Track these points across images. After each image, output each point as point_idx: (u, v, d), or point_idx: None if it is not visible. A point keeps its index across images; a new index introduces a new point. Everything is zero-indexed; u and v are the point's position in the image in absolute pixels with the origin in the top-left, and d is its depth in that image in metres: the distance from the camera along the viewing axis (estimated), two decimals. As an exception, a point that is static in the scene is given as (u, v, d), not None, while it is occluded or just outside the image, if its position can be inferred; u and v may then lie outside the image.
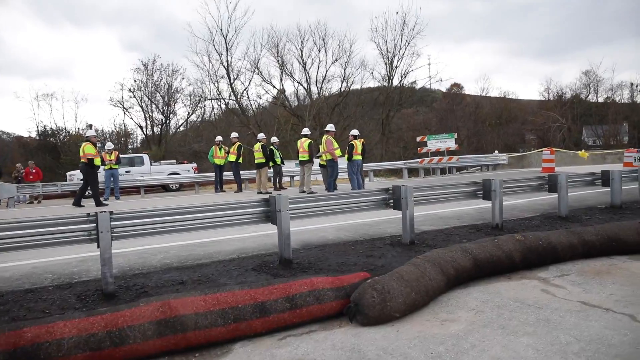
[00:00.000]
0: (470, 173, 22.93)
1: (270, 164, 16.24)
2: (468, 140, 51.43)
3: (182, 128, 47.80)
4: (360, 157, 14.15)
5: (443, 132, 58.82)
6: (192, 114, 46.33)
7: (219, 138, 18.03)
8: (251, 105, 41.99)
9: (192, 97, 43.30)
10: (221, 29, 37.54)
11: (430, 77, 51.00)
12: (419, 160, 21.50)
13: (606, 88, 57.98)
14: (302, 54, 40.30)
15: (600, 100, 59.02)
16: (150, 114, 44.02)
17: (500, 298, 4.86)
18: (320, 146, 14.82)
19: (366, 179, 21.62)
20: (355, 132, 14.84)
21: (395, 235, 7.59)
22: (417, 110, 76.61)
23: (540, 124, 48.27)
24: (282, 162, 16.54)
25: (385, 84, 42.32)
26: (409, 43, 40.55)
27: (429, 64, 61.58)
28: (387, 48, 41.46)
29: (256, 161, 15.51)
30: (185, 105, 45.38)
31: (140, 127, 45.51)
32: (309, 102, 40.88)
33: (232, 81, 37.73)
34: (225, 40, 37.44)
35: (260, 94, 45.25)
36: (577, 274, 5.67)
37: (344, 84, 41.00)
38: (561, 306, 4.57)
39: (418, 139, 22.23)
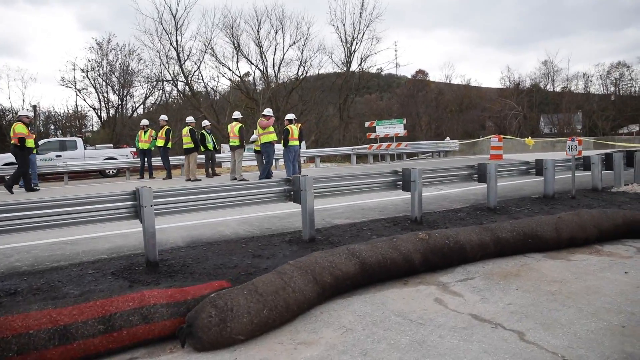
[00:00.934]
0: (419, 159, 22.47)
1: (202, 149, 15.20)
2: (428, 126, 51.33)
3: (140, 111, 45.67)
4: (297, 143, 13.30)
5: (406, 118, 59.06)
6: (148, 96, 44.27)
7: (144, 122, 16.76)
8: (206, 88, 40.40)
9: (148, 79, 41.30)
10: (170, 7, 35.67)
11: (389, 62, 50.27)
12: (367, 146, 20.85)
13: (563, 78, 58.97)
14: (258, 36, 38.93)
15: (558, 89, 60.02)
16: (105, 95, 41.77)
17: (383, 311, 4.13)
18: (254, 130, 13.88)
19: (311, 165, 20.85)
20: (290, 116, 13.95)
21: (299, 231, 6.81)
22: (381, 95, 76.50)
23: (497, 112, 48.47)
24: (215, 148, 15.51)
25: (345, 68, 41.34)
26: (367, 27, 39.71)
27: (395, 51, 61.10)
28: (345, 31, 40.53)
29: (184, 146, 14.41)
30: (142, 87, 43.24)
31: (94, 109, 43.21)
32: (266, 87, 39.62)
33: (182, 63, 36.07)
34: (175, 19, 35.66)
35: (215, 77, 43.52)
36: (483, 278, 5.01)
37: (302, 68, 39.87)
38: (447, 322, 3.88)
39: (367, 124, 21.50)
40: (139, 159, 16.72)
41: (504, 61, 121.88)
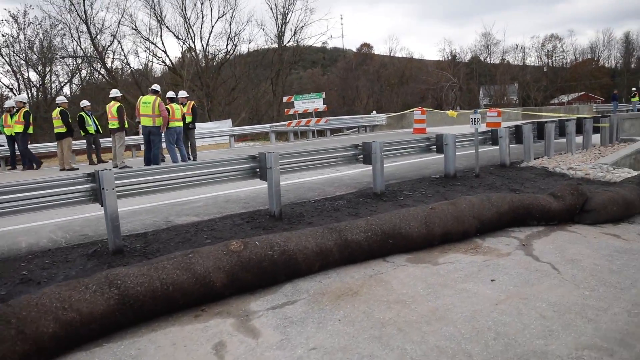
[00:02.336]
0: (344, 135, 21.30)
1: (81, 133, 13.25)
2: (368, 100, 50.39)
3: (66, 91, 41.56)
4: (180, 124, 11.65)
5: (347, 92, 57.74)
6: (75, 74, 40.24)
7: (8, 103, 14.34)
8: (129, 64, 37.38)
9: (61, 56, 37.51)
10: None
11: (321, 34, 47.93)
12: (286, 123, 19.42)
13: (501, 50, 59.44)
14: (184, 7, 36.11)
15: (497, 61, 60.48)
16: (23, 74, 37.54)
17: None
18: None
19: (232, 147, 19.25)
20: (171, 94, 12.23)
21: (127, 236, 5.33)
22: (324, 70, 74.89)
23: (433, 84, 48.07)
24: (98, 131, 13.55)
25: (277, 41, 39.35)
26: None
27: (341, 24, 59.13)
28: (276, 2, 38.40)
29: (55, 130, 12.36)
30: (66, 65, 39.07)
31: (12, 89, 38.94)
32: (191, 62, 37.11)
33: (93, 36, 32.89)
34: (82, -17, 32.07)
35: (137, 52, 40.03)
36: (308, 301, 3.77)
37: (231, 42, 37.56)
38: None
39: (285, 99, 20.01)
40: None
41: (447, 34, 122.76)
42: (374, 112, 22.85)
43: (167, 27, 35.65)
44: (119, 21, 33.50)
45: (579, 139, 12.19)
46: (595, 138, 12.66)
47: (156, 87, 11.57)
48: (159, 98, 11.02)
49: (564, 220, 5.77)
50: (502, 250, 4.84)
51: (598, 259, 4.50)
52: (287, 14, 37.98)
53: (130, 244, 5.12)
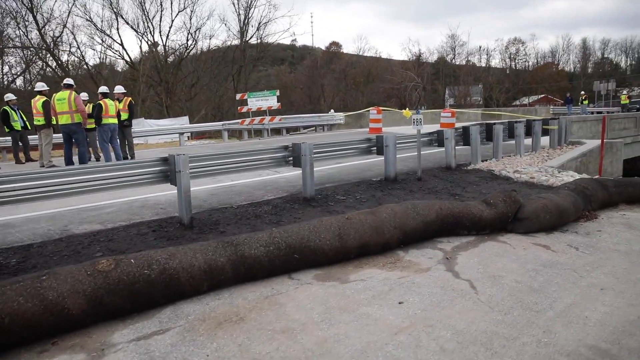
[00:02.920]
0: (300, 134, 20.76)
1: (6, 129, 12.27)
2: (333, 98, 50.06)
3: (20, 83, 39.33)
4: (114, 121, 10.87)
5: (312, 90, 57.19)
6: (28, 67, 38.12)
7: None
8: (83, 58, 35.81)
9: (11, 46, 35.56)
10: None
11: (284, 31, 47.03)
12: (239, 121, 18.75)
13: (468, 52, 60.20)
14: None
15: (463, 63, 61.19)
16: None
17: None
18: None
19: (181, 146, 18.48)
20: (103, 89, 11.40)
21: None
22: (293, 68, 74.19)
23: (397, 83, 48.11)
24: (26, 127, 12.58)
25: (239, 37, 38.48)
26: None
27: (311, 22, 58.49)
28: (238, -3, 37.52)
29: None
30: (20, 56, 36.87)
31: None
32: (149, 56, 35.87)
33: (41, 27, 31.26)
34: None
35: (92, 45, 38.21)
36: (182, 330, 3.23)
37: (191, 37, 36.47)
38: None
39: (238, 96, 19.32)
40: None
41: (415, 35, 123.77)
42: (332, 110, 22.42)
43: (124, 19, 34.28)
44: (69, 10, 31.97)
45: (529, 141, 12.04)
46: (545, 140, 12.54)
47: (69, 81, 10.57)
48: (74, 92, 10.11)
49: (496, 229, 5.42)
50: (423, 265, 4.42)
51: (521, 275, 4.13)
52: (250, 9, 37.20)
53: (5, 260, 4.46)
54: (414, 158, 10.72)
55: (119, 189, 5.51)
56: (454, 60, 60.44)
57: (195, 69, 38.66)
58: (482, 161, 10.28)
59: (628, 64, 66.48)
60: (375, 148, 8.33)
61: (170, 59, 37.38)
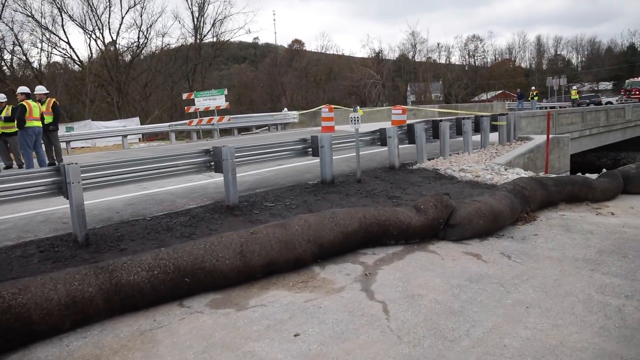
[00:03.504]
0: (252, 134, 20.05)
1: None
2: (293, 96, 49.45)
3: None
4: (38, 124, 9.96)
5: (273, 88, 56.35)
6: None
7: None
8: (25, 56, 33.91)
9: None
10: None
11: (239, 28, 45.93)
12: (187, 121, 17.93)
13: (427, 49, 60.63)
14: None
15: (424, 60, 61.55)
16: None
17: None
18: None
19: (125, 149, 17.49)
20: (24, 89, 10.44)
21: None
22: (254, 67, 73.02)
23: (357, 80, 47.91)
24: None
25: (194, 35, 37.32)
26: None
27: (274, 20, 57.68)
28: (191, -7, 36.38)
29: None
30: None
31: None
32: (98, 55, 34.35)
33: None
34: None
35: (34, 43, 36.05)
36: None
37: (142, 35, 35.10)
38: None
39: (184, 96, 18.48)
40: None
41: (378, 32, 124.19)
42: (286, 109, 21.84)
43: (69, 15, 32.63)
44: (3, 3, 30.13)
45: (478, 138, 11.81)
46: (495, 136, 12.34)
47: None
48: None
49: (427, 237, 4.98)
50: (337, 284, 3.92)
51: (443, 293, 3.68)
52: (204, 5, 36.09)
53: None
54: (377, 153, 10.34)
55: (4, 203, 4.79)
56: (415, 58, 60.88)
57: (149, 68, 37.31)
58: (429, 159, 9.94)
59: (579, 60, 68.58)
60: (310, 149, 7.82)
61: (122, 57, 35.90)
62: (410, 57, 61.39)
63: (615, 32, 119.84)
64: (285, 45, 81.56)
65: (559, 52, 69.08)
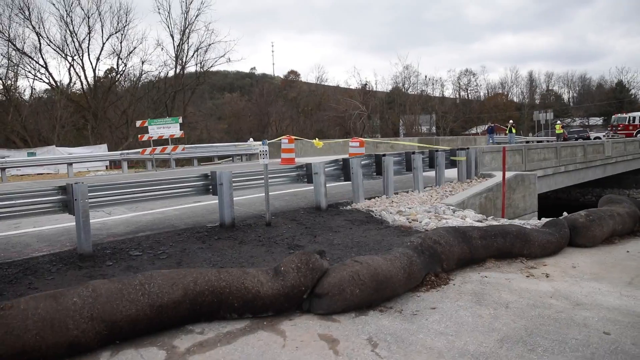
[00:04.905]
0: (214, 164, 18.94)
1: None
2: (278, 125, 48.69)
3: None
4: None
5: (260, 118, 55.64)
6: None
7: None
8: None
9: None
10: None
11: (219, 57, 45.16)
12: (140, 150, 16.84)
13: (420, 82, 60.31)
14: (70, 20, 32.67)
15: (418, 92, 61.14)
16: None
17: None
18: None
19: (70, 177, 16.41)
20: None
21: None
22: (247, 95, 72.76)
23: (342, 112, 47.23)
24: None
25: (175, 61, 36.72)
26: (197, 16, 35.59)
27: (272, 51, 57.50)
28: (172, 21, 36.01)
29: None
30: None
31: None
32: (74, 81, 33.62)
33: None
34: None
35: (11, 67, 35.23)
36: None
37: (122, 62, 34.45)
38: None
39: (138, 123, 17.49)
40: None
41: (374, 65, 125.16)
42: (251, 139, 20.84)
43: (46, 40, 32.02)
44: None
45: (433, 174, 10.72)
46: (455, 173, 11.24)
47: None
48: None
49: (286, 309, 3.77)
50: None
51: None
52: (186, 33, 35.59)
53: None
54: (291, 195, 9.23)
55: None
56: (408, 90, 60.49)
57: (130, 94, 36.56)
58: (369, 199, 8.81)
59: (570, 95, 68.41)
60: (210, 186, 6.68)
61: (101, 83, 35.19)
62: (404, 90, 61.11)
63: (604, 69, 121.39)
64: (282, 76, 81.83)
65: (550, 88, 69.00)
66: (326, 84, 65.75)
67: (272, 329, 3.53)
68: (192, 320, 3.56)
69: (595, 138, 35.08)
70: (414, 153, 9.91)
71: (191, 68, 38.25)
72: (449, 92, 66.48)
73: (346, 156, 11.10)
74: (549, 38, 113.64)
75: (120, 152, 17.44)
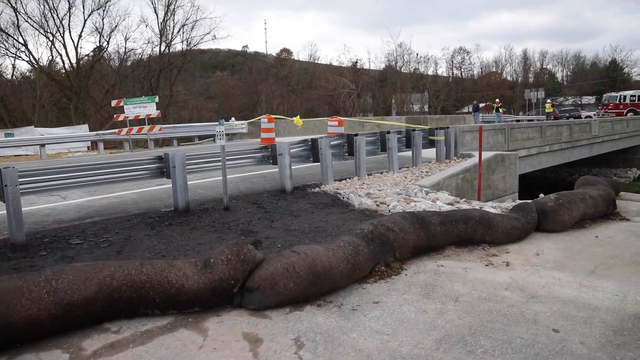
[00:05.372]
0: (194, 144, 18.52)
1: None
2: (267, 104, 48.01)
3: None
4: None
5: (251, 98, 54.84)
6: None
7: None
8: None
9: None
10: None
11: (205, 34, 43.53)
12: (116, 130, 16.38)
13: (413, 60, 59.43)
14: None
15: (412, 71, 60.29)
16: None
17: None
18: None
19: (42, 159, 15.97)
20: None
21: None
22: (237, 75, 71.70)
23: (331, 90, 46.55)
24: None
25: (160, 39, 35.80)
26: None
27: (265, 29, 56.08)
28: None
29: None
30: None
31: None
32: (55, 60, 32.75)
33: None
34: None
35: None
36: None
37: (103, 38, 33.53)
38: None
39: (113, 103, 16.94)
40: None
41: (369, 43, 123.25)
42: (233, 118, 20.34)
43: (24, 17, 31.03)
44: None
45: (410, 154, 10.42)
46: (433, 153, 10.92)
47: None
48: None
49: (215, 304, 3.48)
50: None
51: None
52: (170, 8, 34.64)
53: None
54: (259, 177, 8.91)
55: None
56: (401, 69, 59.61)
57: (115, 73, 35.77)
58: (340, 180, 8.50)
59: (564, 74, 67.80)
60: (165, 169, 6.33)
61: (83, 61, 34.35)
62: (397, 68, 60.25)
63: (599, 48, 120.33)
64: (274, 54, 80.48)
65: (544, 66, 68.34)
66: (319, 62, 64.82)
67: (195, 326, 3.25)
68: (110, 317, 3.26)
69: (586, 117, 34.81)
70: (389, 132, 9.56)
71: (178, 46, 37.38)
72: (442, 71, 65.83)
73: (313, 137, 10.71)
74: (545, 16, 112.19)
75: (95, 132, 16.94)
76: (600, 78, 56.60)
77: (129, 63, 37.75)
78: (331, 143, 8.73)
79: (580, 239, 5.41)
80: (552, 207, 5.56)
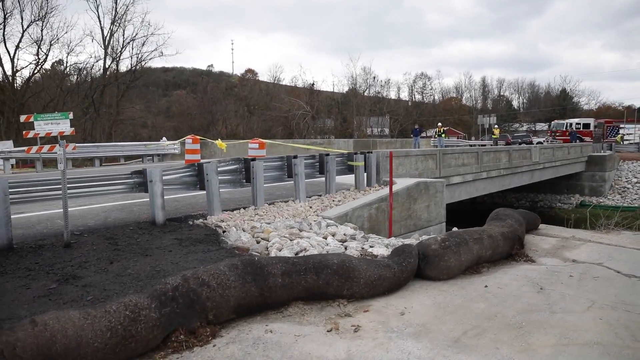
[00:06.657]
0: (119, 165, 17.18)
1: None
2: (226, 124, 46.85)
3: None
4: None
5: (205, 118, 53.52)
6: None
7: None
8: None
9: None
10: None
11: (153, 51, 41.79)
12: (25, 148, 15.00)
13: (377, 84, 59.57)
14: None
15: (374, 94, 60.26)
16: None
17: None
18: None
19: None
20: None
21: None
22: (197, 93, 70.21)
23: (286, 111, 45.85)
24: None
25: (104, 53, 34.35)
26: (127, 7, 33.39)
27: (232, 49, 54.95)
28: (102, 9, 33.67)
29: None
30: None
31: None
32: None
33: None
34: None
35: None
36: None
37: (41, 51, 31.80)
38: None
39: (22, 118, 15.65)
40: None
41: (335, 67, 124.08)
42: (164, 138, 19.18)
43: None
44: None
45: (343, 179, 9.61)
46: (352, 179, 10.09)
47: None
48: None
49: None
50: None
51: None
52: (116, 23, 33.33)
53: None
54: (144, 205, 7.83)
55: None
56: (365, 92, 59.51)
57: (57, 87, 33.93)
58: (232, 210, 7.54)
59: (520, 101, 69.55)
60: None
61: (20, 74, 32.49)
62: (360, 91, 60.15)
63: (551, 78, 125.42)
64: (239, 74, 79.67)
65: (502, 93, 70.02)
66: (283, 83, 64.25)
67: None
68: None
69: (537, 143, 35.19)
70: (295, 157, 8.67)
71: (128, 61, 35.98)
72: (404, 95, 66.36)
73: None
74: (503, 46, 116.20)
75: (0, 150, 15.45)
76: (552, 106, 58.12)
77: (73, 78, 36.04)
78: (224, 168, 7.78)
79: (466, 289, 4.55)
80: (435, 251, 4.70)
